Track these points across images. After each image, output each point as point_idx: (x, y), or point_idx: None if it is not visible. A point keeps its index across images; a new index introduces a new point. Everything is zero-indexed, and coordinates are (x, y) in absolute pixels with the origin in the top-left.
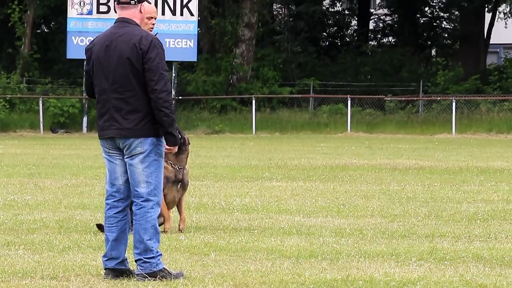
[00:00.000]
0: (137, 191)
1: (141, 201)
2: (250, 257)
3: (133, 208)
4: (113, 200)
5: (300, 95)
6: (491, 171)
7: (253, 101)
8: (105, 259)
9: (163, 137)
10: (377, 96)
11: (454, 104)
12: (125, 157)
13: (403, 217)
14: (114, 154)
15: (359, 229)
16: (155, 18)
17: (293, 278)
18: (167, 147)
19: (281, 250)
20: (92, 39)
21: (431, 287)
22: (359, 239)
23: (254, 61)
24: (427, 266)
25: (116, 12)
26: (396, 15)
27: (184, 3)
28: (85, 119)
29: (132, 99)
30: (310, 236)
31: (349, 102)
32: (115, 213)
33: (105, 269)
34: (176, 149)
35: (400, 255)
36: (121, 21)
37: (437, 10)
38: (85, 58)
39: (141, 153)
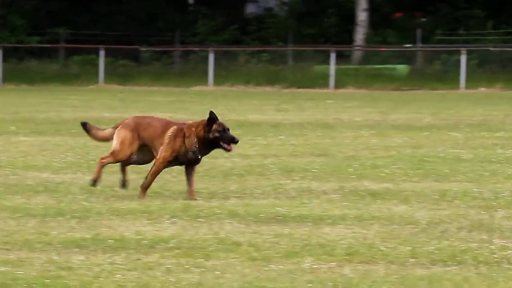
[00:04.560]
0: None
1: None
2: None
3: None
4: None
5: (50, 45)
6: (248, 124)
7: (0, 51)
8: None
9: None
10: (131, 46)
11: (212, 55)
12: None
13: None
14: None
15: (110, 186)
16: None
17: (39, 237)
18: None
19: (26, 208)
20: None
21: (183, 245)
22: (110, 196)
23: (1, 7)
24: (181, 223)
25: None
26: None
27: None
28: None
29: None
30: (59, 193)
31: (101, 52)
32: None
33: None
34: None
35: (152, 213)
36: None
37: None
38: None
39: None
